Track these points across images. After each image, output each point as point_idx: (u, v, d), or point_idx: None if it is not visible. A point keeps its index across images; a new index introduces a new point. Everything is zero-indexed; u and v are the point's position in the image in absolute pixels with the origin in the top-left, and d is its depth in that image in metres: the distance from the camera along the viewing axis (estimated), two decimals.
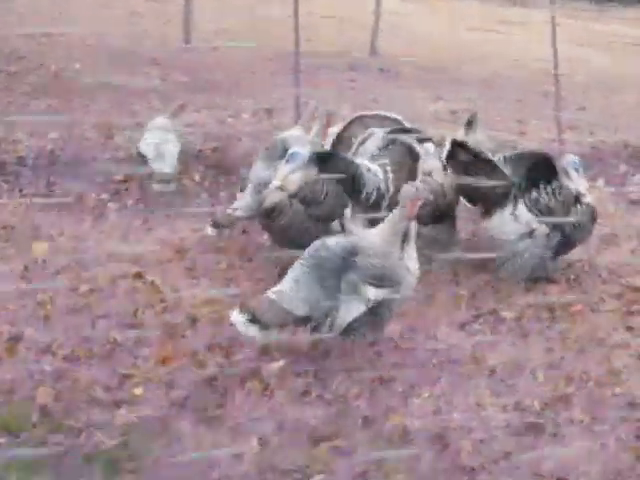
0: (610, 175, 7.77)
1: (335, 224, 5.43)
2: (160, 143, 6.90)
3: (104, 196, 6.77)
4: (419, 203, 4.40)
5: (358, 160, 5.62)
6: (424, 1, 16.32)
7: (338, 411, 4.11)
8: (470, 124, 6.63)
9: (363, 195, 5.50)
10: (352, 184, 5.48)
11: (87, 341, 4.57)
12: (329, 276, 4.36)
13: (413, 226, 4.41)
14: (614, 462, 3.86)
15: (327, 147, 5.91)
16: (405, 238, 4.36)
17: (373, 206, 5.51)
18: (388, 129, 5.77)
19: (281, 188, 5.40)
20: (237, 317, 4.34)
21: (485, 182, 5.39)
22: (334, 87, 9.89)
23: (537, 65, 11.20)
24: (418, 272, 4.47)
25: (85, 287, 5.18)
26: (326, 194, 5.41)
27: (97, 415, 3.96)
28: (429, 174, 5.72)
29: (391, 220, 4.42)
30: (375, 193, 5.53)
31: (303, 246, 5.27)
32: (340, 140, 5.90)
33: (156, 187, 6.86)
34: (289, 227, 5.38)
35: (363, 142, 5.72)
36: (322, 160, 5.48)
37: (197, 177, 7.22)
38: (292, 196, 5.37)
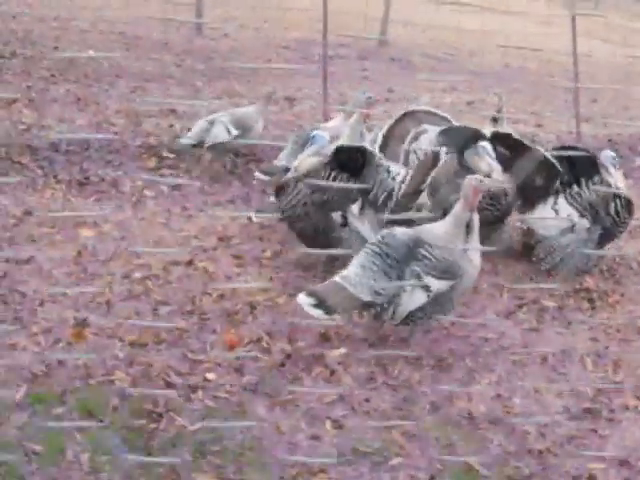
0: (627, 168, 7.93)
1: (337, 216, 5.47)
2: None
3: (139, 183, 6.85)
4: (480, 195, 4.55)
5: (382, 160, 5.60)
6: None
7: (405, 397, 4.27)
8: (496, 118, 6.78)
9: (371, 194, 5.48)
10: (364, 181, 5.47)
11: (152, 327, 4.69)
12: (394, 265, 4.50)
13: (476, 218, 4.55)
14: None
15: (378, 137, 5.99)
16: (468, 230, 4.51)
17: (381, 207, 5.48)
18: (441, 128, 5.84)
19: (296, 169, 5.56)
20: (304, 299, 4.46)
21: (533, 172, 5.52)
22: (348, 77, 9.97)
23: (546, 57, 11.37)
24: (480, 263, 4.62)
25: (139, 274, 5.30)
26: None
27: (174, 399, 4.10)
28: (489, 175, 5.61)
29: (454, 213, 4.56)
30: (383, 195, 5.47)
31: (304, 231, 5.49)
32: (391, 134, 5.98)
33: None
34: (292, 207, 5.49)
35: (416, 138, 5.82)
36: (341, 152, 5.50)
37: (228, 165, 7.31)
38: (300, 178, 5.48)
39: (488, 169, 5.68)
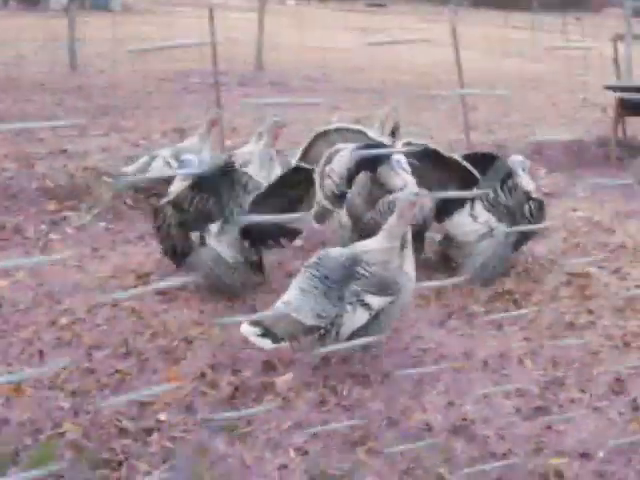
0: None
1: (195, 236, 5.47)
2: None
3: (42, 227, 6.65)
4: (416, 208, 4.60)
5: (244, 176, 5.59)
6: (291, 15, 16.61)
7: (361, 415, 4.26)
8: (394, 132, 6.87)
9: (227, 211, 5.46)
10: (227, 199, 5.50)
11: (91, 373, 4.55)
12: (333, 286, 4.49)
13: (409, 232, 4.59)
14: (624, 433, 4.18)
15: (292, 162, 5.98)
16: (402, 245, 4.54)
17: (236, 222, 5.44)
18: (355, 145, 5.85)
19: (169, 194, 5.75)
20: (248, 330, 4.38)
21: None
22: (231, 104, 9.93)
23: (421, 70, 11.62)
24: (414, 277, 4.65)
25: (64, 320, 5.13)
26: (190, 204, 5.48)
27: (131, 445, 3.98)
28: (402, 189, 5.60)
29: (388, 228, 4.57)
30: (237, 211, 5.45)
31: (168, 250, 5.62)
32: (305, 158, 5.97)
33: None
34: (159, 229, 5.62)
35: (329, 160, 5.81)
36: (213, 175, 5.53)
37: (130, 201, 7.17)
38: (170, 201, 5.61)
39: (402, 183, 5.68)
